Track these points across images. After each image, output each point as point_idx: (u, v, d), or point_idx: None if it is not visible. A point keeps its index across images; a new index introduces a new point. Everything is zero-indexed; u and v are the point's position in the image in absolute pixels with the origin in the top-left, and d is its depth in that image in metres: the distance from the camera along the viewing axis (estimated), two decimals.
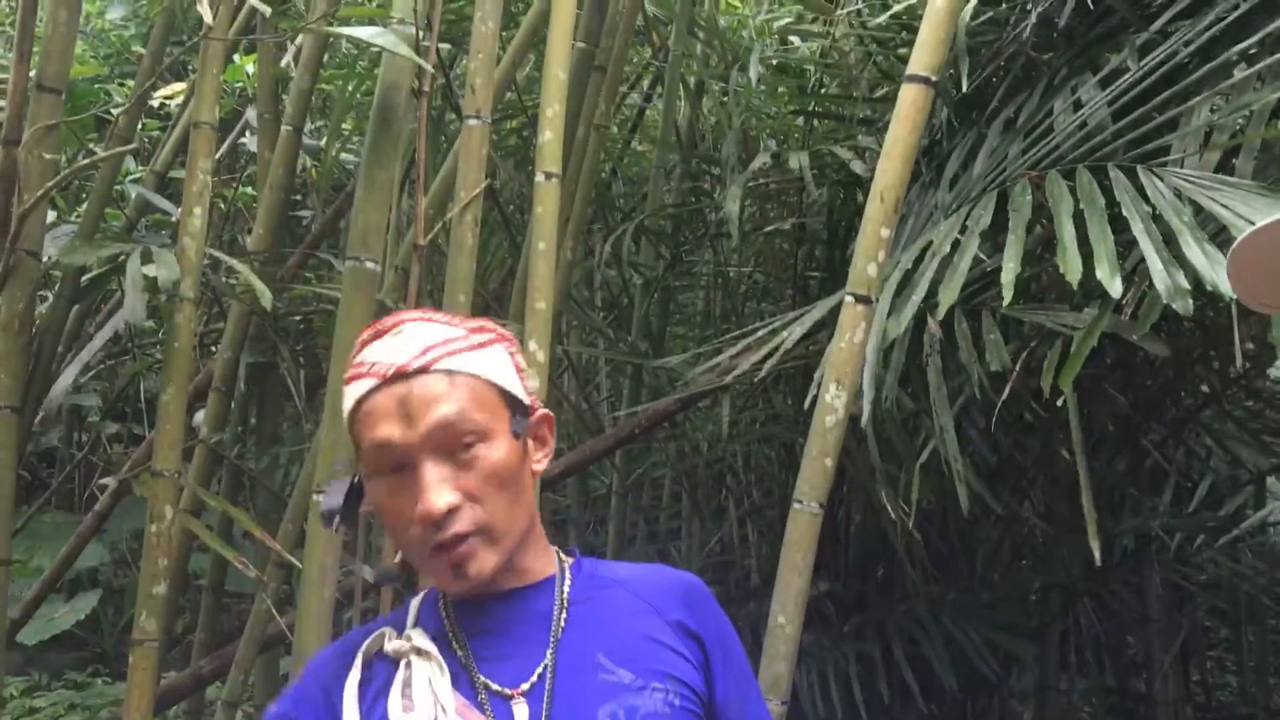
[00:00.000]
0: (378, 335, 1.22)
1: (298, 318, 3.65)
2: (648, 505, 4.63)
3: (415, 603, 1.29)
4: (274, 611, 2.54)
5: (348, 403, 1.20)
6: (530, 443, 1.25)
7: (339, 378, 2.10)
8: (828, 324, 2.53)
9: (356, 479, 1.24)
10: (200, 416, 3.34)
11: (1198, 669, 5.07)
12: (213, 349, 3.80)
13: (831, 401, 1.95)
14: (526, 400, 1.25)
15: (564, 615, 1.23)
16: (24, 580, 4.24)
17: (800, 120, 3.99)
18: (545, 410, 1.28)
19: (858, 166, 3.22)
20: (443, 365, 1.17)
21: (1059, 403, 2.26)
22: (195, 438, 3.14)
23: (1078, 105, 2.66)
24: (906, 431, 3.01)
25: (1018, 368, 2.49)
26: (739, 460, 4.35)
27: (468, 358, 1.19)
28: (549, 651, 1.20)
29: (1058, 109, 2.69)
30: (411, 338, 1.19)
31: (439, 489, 1.13)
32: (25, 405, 2.45)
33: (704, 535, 4.28)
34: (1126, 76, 2.56)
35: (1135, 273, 2.24)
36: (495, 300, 3.76)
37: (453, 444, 1.15)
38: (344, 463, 1.26)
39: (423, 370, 1.16)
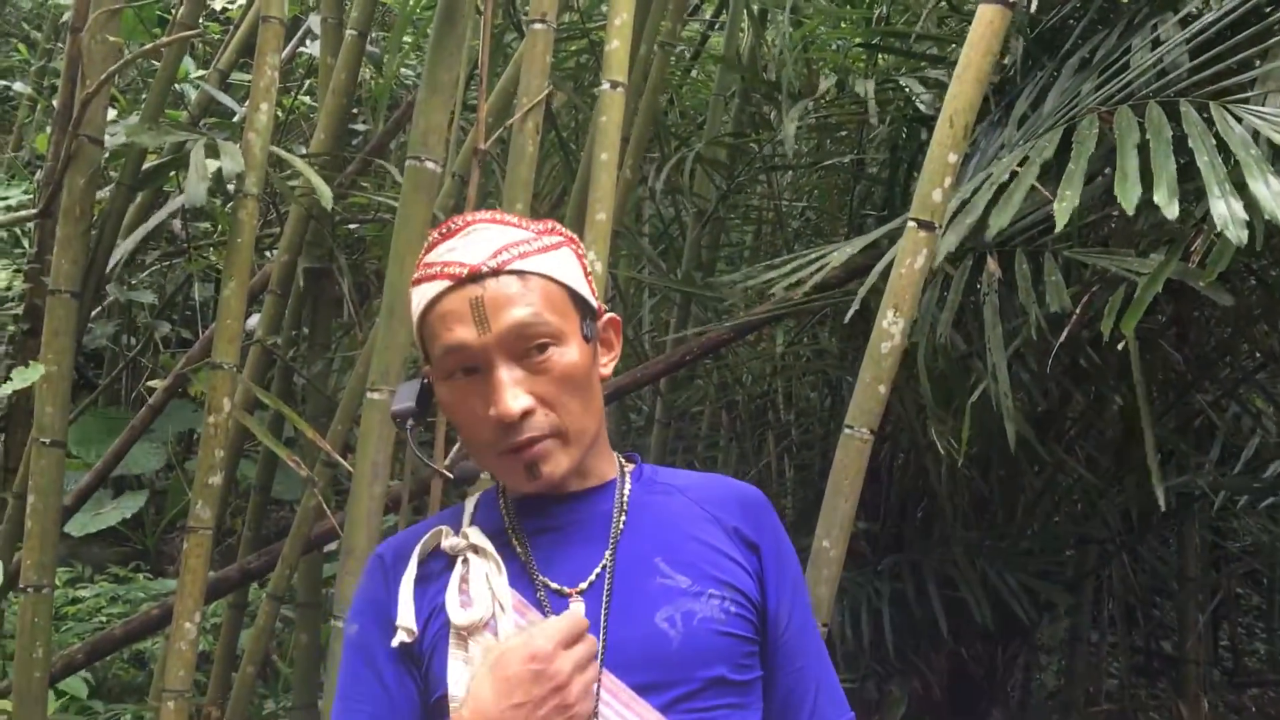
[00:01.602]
0: (448, 235, 1.21)
1: (354, 226, 3.66)
2: (688, 436, 4.64)
3: (472, 501, 1.31)
4: (325, 507, 2.57)
5: (418, 304, 1.21)
6: (598, 346, 1.25)
7: (398, 278, 2.12)
8: (883, 253, 2.50)
9: (426, 380, 1.25)
10: (255, 320, 3.37)
11: (1228, 634, 5.05)
12: (268, 253, 3.82)
13: (888, 327, 1.93)
14: (595, 303, 1.25)
15: (623, 518, 1.24)
16: (73, 473, 4.34)
17: (864, 54, 3.92)
18: (612, 314, 1.29)
19: (925, 100, 3.16)
20: (515, 266, 1.17)
21: (1119, 346, 2.23)
22: (249, 340, 3.18)
23: (1155, 44, 2.60)
24: (959, 372, 2.99)
25: (1076, 312, 2.46)
26: (780, 396, 4.35)
27: (539, 259, 1.19)
28: (608, 552, 1.21)
29: (1135, 48, 2.63)
30: (483, 239, 1.19)
31: (513, 392, 1.14)
32: (84, 291, 2.48)
33: (742, 468, 4.29)
34: (1207, 15, 2.49)
35: (1205, 220, 2.20)
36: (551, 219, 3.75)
37: (526, 346, 1.16)
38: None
39: (495, 272, 1.16)
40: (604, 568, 1.20)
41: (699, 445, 4.61)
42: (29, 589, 2.37)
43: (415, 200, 2.10)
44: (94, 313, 4.27)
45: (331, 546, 3.15)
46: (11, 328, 4.21)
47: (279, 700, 4.19)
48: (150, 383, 4.29)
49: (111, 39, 2.39)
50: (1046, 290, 2.46)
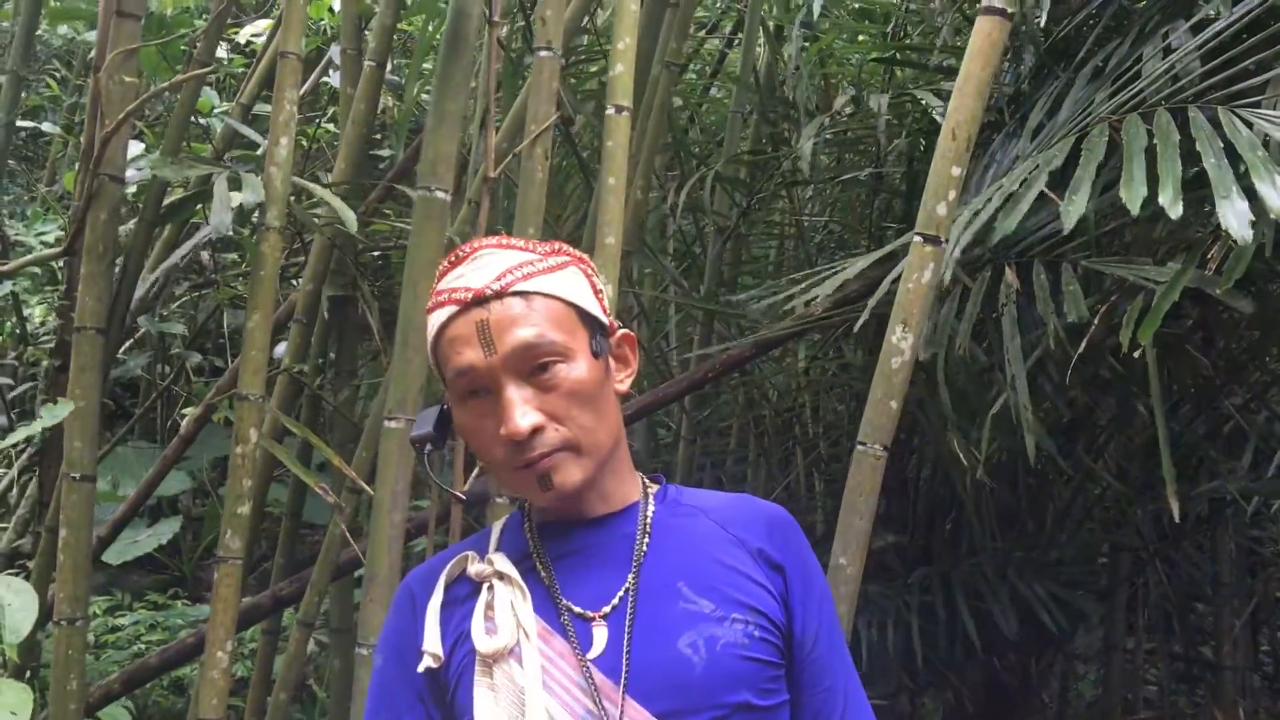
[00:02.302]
0: (456, 263, 1.23)
1: (376, 253, 3.71)
2: (715, 452, 4.64)
3: (498, 526, 1.32)
4: (349, 537, 2.60)
5: (430, 331, 1.23)
6: (612, 362, 1.26)
7: (411, 306, 2.15)
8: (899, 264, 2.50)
9: (445, 406, 1.27)
10: (282, 348, 3.42)
11: (1267, 639, 4.97)
12: (293, 282, 3.88)
13: (897, 343, 1.94)
14: (605, 320, 1.26)
15: (646, 541, 1.25)
16: (109, 504, 4.41)
17: (881, 69, 3.93)
18: (626, 330, 1.30)
19: (941, 112, 3.16)
20: (519, 288, 1.19)
21: (1137, 355, 2.22)
22: (276, 369, 3.22)
23: (1167, 52, 2.59)
24: (980, 384, 2.99)
25: (1096, 322, 2.45)
26: (807, 410, 4.34)
27: (544, 280, 1.21)
28: (630, 576, 1.22)
29: (1146, 56, 2.62)
30: (488, 263, 1.21)
31: (522, 410, 1.16)
32: (110, 326, 2.52)
33: (770, 483, 4.28)
34: (1219, 22, 2.48)
35: (1221, 228, 2.19)
36: (570, 242, 3.77)
37: (532, 365, 1.17)
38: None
39: (499, 294, 1.18)
40: (626, 591, 1.21)
41: (727, 461, 4.61)
42: (62, 622, 2.41)
43: (426, 229, 2.13)
44: (128, 344, 4.34)
45: (361, 572, 3.18)
46: (45, 362, 4.29)
47: None
48: (184, 410, 4.36)
49: (128, 79, 2.44)
50: (1065, 300, 2.45)
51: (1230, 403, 3.59)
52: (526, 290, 1.19)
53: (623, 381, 1.27)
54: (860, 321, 2.33)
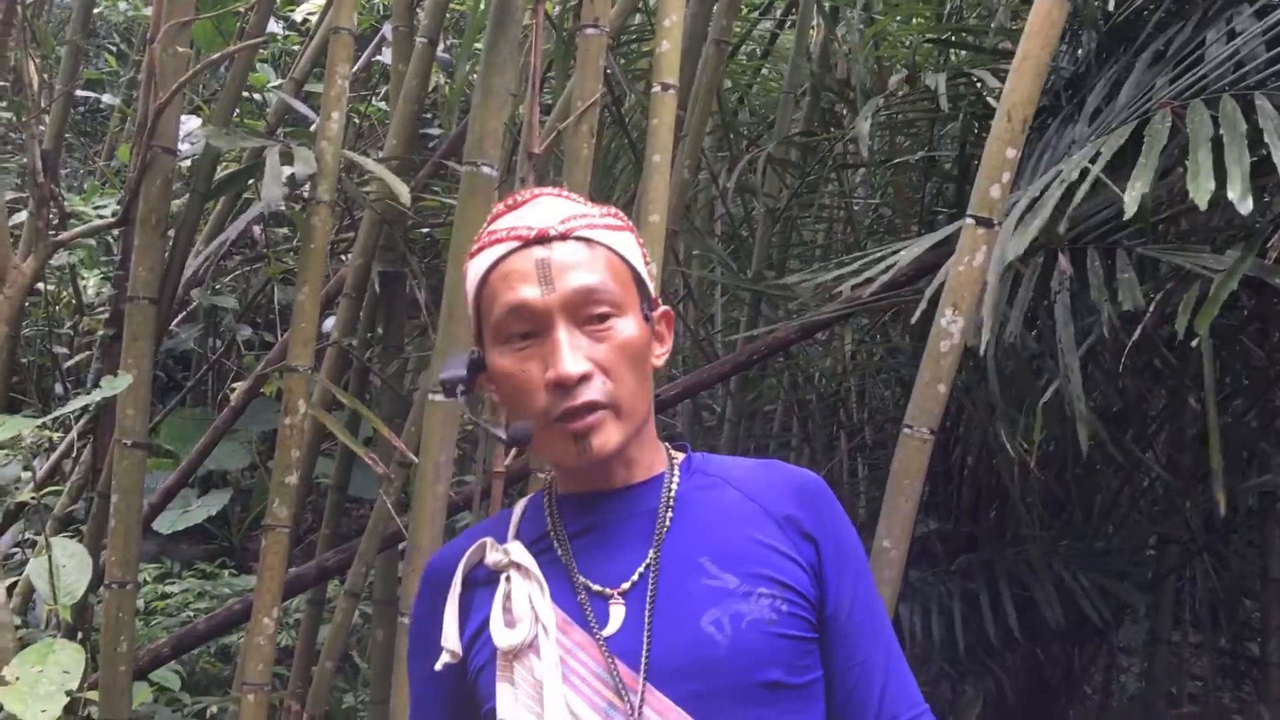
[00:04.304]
0: (512, 207, 1.22)
1: (424, 230, 3.73)
2: (759, 435, 4.63)
3: (520, 506, 1.29)
4: (392, 511, 2.63)
5: (479, 267, 1.19)
6: (653, 335, 1.23)
7: (456, 280, 2.16)
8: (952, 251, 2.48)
9: (477, 354, 1.23)
10: (331, 322, 3.45)
11: None
12: (343, 257, 3.91)
13: (947, 326, 1.92)
14: (652, 291, 1.25)
15: (669, 515, 1.20)
16: (160, 472, 4.48)
17: (935, 51, 3.88)
18: (667, 307, 1.27)
19: (996, 94, 3.12)
20: (583, 234, 1.17)
21: (1192, 344, 2.19)
22: (326, 342, 3.25)
23: (1231, 36, 2.54)
24: (1030, 372, 2.95)
25: (1150, 310, 2.41)
26: (853, 395, 4.32)
27: (605, 233, 1.19)
28: (651, 551, 1.18)
29: (1209, 39, 2.57)
30: (549, 207, 1.19)
31: (574, 355, 1.13)
32: (162, 297, 2.56)
33: (813, 468, 4.26)
34: None
35: None
36: None
37: (589, 313, 1.15)
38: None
39: (563, 236, 1.16)
40: (647, 567, 1.17)
41: (770, 444, 4.60)
42: (113, 585, 2.46)
43: (472, 205, 2.13)
44: (180, 318, 4.40)
45: (405, 544, 3.22)
46: (101, 332, 4.37)
47: (357, 695, 4.28)
48: (234, 384, 4.42)
49: (181, 50, 2.46)
50: (1119, 288, 2.41)
51: None
52: (590, 238, 1.17)
53: (660, 357, 1.24)
54: (920, 309, 2.30)
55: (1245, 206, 1.96)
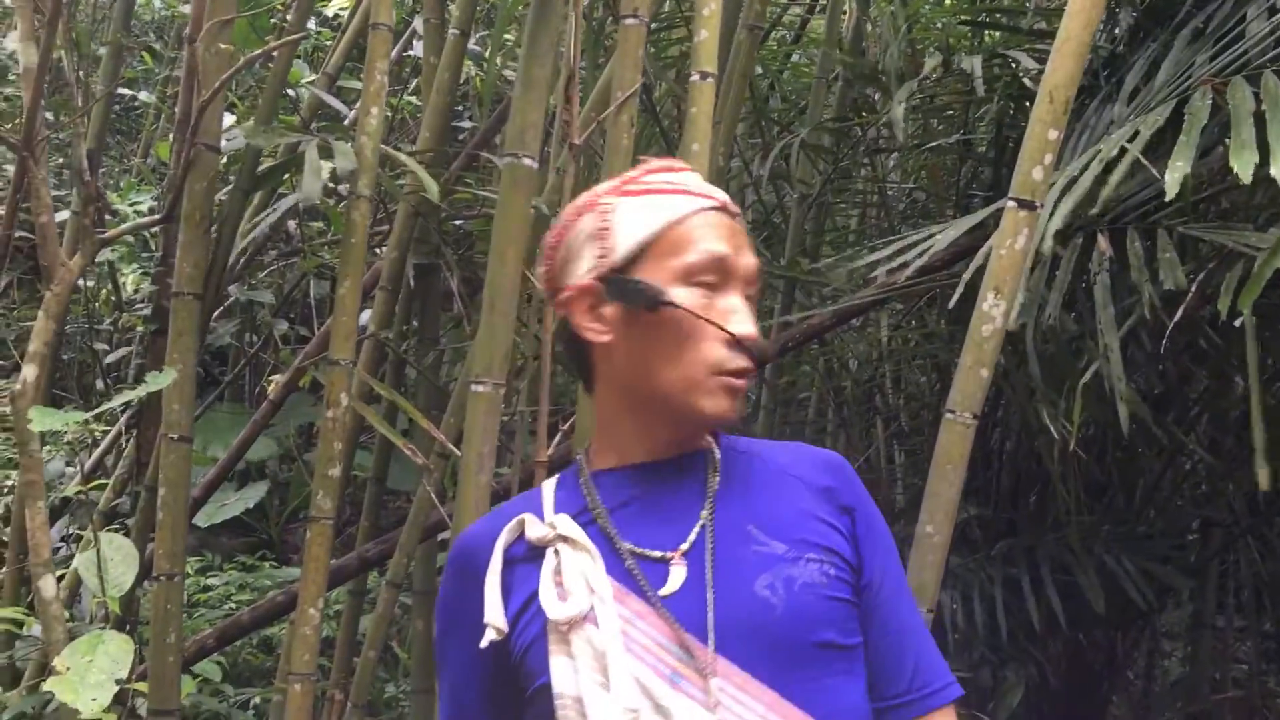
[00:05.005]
0: (662, 169, 1.27)
1: (459, 222, 3.74)
2: (794, 421, 4.62)
3: (550, 484, 1.30)
4: (435, 500, 2.64)
5: (678, 206, 1.21)
6: None
7: (498, 273, 2.16)
8: (989, 234, 2.46)
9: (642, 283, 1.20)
10: (367, 315, 3.47)
11: None
12: (378, 250, 3.93)
13: (989, 310, 1.90)
14: None
15: (715, 480, 1.23)
16: (199, 467, 4.53)
17: (970, 33, 3.85)
18: None
19: (1032, 76, 3.10)
20: (740, 220, 1.26)
21: (1235, 324, 2.16)
22: (362, 335, 3.27)
23: (1272, 12, 2.50)
24: (1069, 354, 2.93)
25: (1192, 290, 2.39)
26: (888, 381, 4.31)
27: None
28: (705, 512, 1.20)
29: (1250, 16, 2.53)
30: (708, 185, 1.26)
31: (751, 321, 1.20)
32: (206, 293, 2.58)
33: (849, 455, 4.26)
34: None
35: None
36: None
37: (749, 290, 1.23)
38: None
39: (737, 215, 1.25)
40: (702, 528, 1.19)
41: (806, 430, 4.59)
42: (161, 577, 2.49)
43: (513, 197, 2.14)
44: (217, 313, 4.44)
45: (446, 535, 3.24)
46: (141, 328, 4.41)
47: (398, 684, 4.32)
48: (271, 378, 4.46)
49: (224, 47, 2.48)
50: (1160, 268, 2.39)
51: None
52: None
53: None
54: (958, 294, 2.29)
55: None
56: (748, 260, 1.22)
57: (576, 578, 1.16)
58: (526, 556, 1.21)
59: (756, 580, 1.15)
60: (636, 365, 1.21)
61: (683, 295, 1.18)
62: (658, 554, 1.18)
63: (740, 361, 1.18)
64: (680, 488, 1.23)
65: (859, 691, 1.18)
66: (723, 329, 1.18)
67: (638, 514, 1.22)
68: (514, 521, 1.23)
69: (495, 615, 1.18)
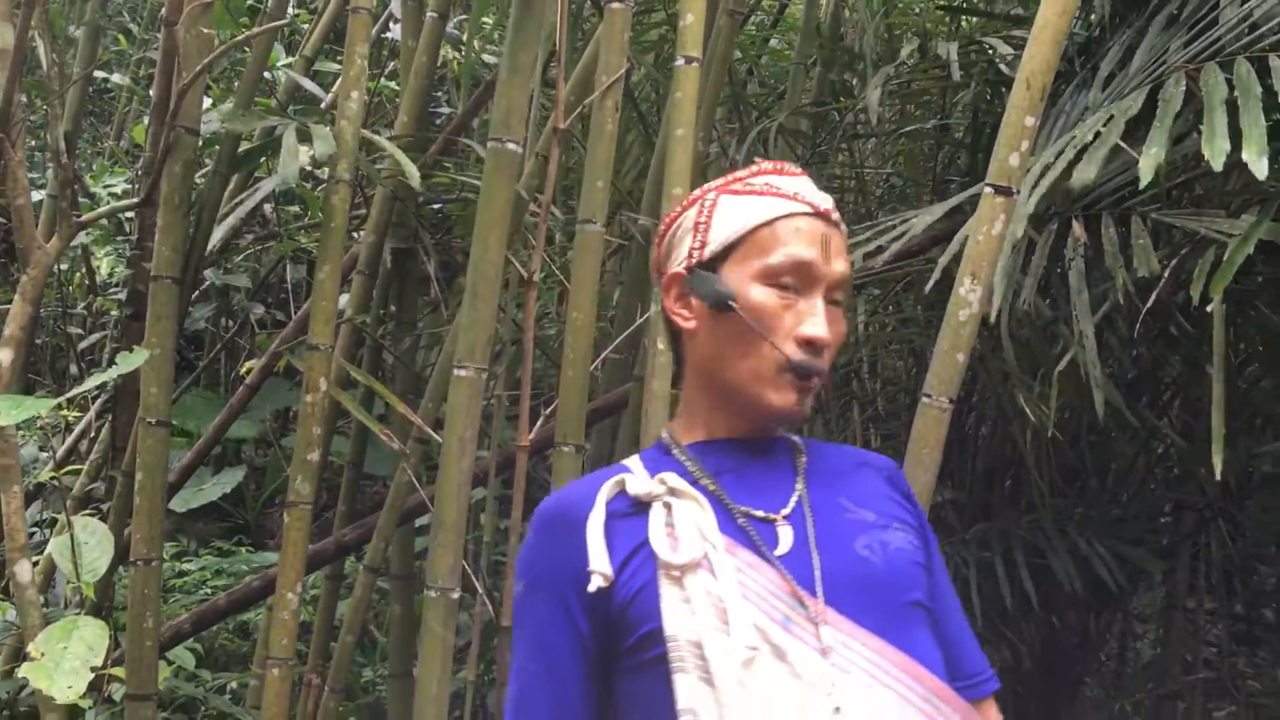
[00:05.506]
0: (774, 171, 1.30)
1: (437, 206, 3.73)
2: None
3: (635, 460, 1.33)
4: (416, 483, 2.64)
5: (770, 208, 1.27)
6: None
7: (481, 257, 2.16)
8: (965, 219, 2.48)
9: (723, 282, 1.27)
10: (344, 300, 3.46)
11: None
12: (355, 234, 3.91)
13: (966, 295, 1.91)
14: None
15: (803, 459, 1.31)
16: (176, 451, 4.49)
17: (946, 18, 3.87)
18: None
19: (1009, 62, 3.11)
20: (841, 227, 1.30)
21: (1208, 309, 2.19)
22: (340, 319, 3.26)
23: None
24: (1044, 339, 2.95)
25: (1165, 276, 2.41)
26: (865, 366, 4.32)
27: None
28: (799, 483, 1.27)
29: (1224, 3, 2.55)
30: (810, 187, 1.29)
31: (823, 325, 1.24)
32: (184, 276, 2.57)
33: (826, 438, 4.27)
34: None
35: None
36: (630, 194, 3.77)
37: (834, 295, 1.27)
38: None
39: (837, 223, 1.29)
40: (799, 497, 1.25)
41: None
42: (139, 562, 2.48)
43: (497, 181, 2.13)
44: (193, 296, 4.42)
45: (423, 520, 3.24)
46: (115, 312, 4.38)
47: (375, 669, 4.32)
48: (248, 362, 4.44)
49: (205, 31, 2.46)
50: (1134, 254, 2.42)
51: None
52: (842, 231, 1.30)
53: None
54: (934, 279, 2.31)
55: (1261, 169, 1.96)
56: (837, 267, 1.26)
57: (689, 527, 1.19)
58: (628, 512, 1.23)
59: (855, 541, 1.23)
60: (714, 353, 1.28)
61: (760, 294, 1.24)
62: (762, 514, 1.24)
63: (813, 361, 1.23)
64: (772, 464, 1.30)
65: (940, 652, 1.24)
66: (775, 345, 1.24)
67: (734, 482, 1.27)
68: (612, 480, 1.26)
69: (600, 562, 1.19)
